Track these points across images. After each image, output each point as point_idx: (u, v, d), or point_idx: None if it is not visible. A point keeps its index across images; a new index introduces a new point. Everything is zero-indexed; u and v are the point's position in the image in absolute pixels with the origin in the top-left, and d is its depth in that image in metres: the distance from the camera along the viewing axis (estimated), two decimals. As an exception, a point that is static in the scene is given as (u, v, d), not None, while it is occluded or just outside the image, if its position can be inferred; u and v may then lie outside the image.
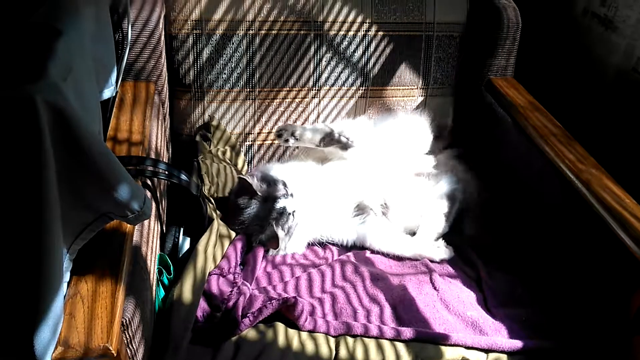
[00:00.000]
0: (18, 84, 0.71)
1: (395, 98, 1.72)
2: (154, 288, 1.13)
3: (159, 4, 1.47)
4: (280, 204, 1.38)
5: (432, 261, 1.40)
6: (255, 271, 1.33)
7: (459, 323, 1.22)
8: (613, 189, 1.22)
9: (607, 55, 1.72)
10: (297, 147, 1.60)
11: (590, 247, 1.26)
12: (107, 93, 1.29)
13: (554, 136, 1.41)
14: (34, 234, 0.73)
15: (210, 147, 1.58)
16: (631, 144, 1.61)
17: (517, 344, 1.17)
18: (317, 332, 1.18)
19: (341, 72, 1.66)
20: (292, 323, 1.19)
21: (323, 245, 1.47)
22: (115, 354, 0.80)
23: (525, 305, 1.28)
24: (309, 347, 1.15)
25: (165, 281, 1.22)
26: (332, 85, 1.67)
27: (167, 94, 1.57)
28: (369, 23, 1.62)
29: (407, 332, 1.17)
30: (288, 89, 1.64)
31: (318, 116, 1.69)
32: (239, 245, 1.36)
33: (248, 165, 1.68)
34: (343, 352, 1.14)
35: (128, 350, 0.90)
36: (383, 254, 1.44)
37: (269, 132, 1.68)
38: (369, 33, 1.63)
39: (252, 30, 1.57)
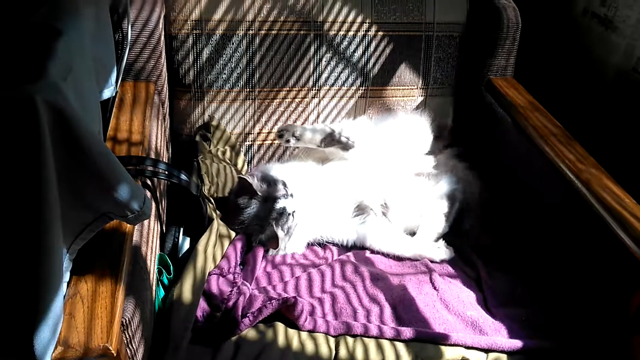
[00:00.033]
0: (18, 84, 0.71)
1: (395, 98, 1.72)
2: (153, 288, 1.13)
3: (159, 4, 1.47)
4: (280, 204, 1.38)
5: (432, 261, 1.40)
6: (255, 271, 1.33)
7: (458, 323, 1.22)
8: (613, 188, 1.22)
9: (607, 55, 1.72)
10: (297, 147, 1.60)
11: (590, 247, 1.26)
12: (107, 93, 1.29)
13: (553, 136, 1.41)
14: (34, 233, 0.73)
15: (210, 147, 1.58)
16: (631, 144, 1.61)
17: (517, 343, 1.17)
18: (317, 332, 1.18)
19: (341, 72, 1.66)
20: (292, 323, 1.19)
21: (323, 245, 1.47)
22: (115, 354, 0.80)
23: (525, 305, 1.28)
24: (309, 347, 1.15)
25: (165, 281, 1.22)
26: (332, 85, 1.67)
27: (167, 94, 1.57)
28: (368, 23, 1.62)
29: (407, 332, 1.17)
30: (288, 88, 1.64)
31: (318, 116, 1.69)
32: (238, 245, 1.36)
33: (248, 165, 1.68)
34: (343, 352, 1.14)
35: (128, 350, 0.90)
36: (383, 254, 1.44)
37: (269, 132, 1.68)
38: (369, 33, 1.63)
39: (252, 30, 1.57)
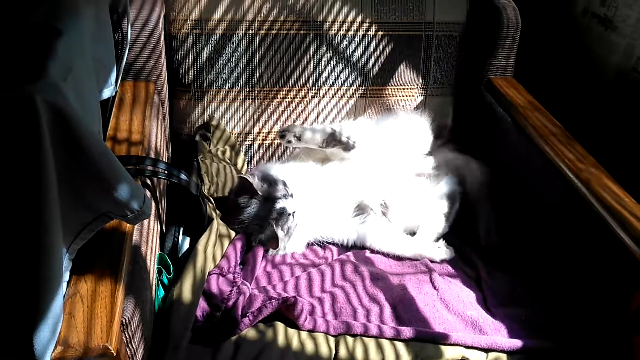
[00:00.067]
0: (18, 84, 0.71)
1: (395, 98, 1.72)
2: (153, 287, 1.13)
3: (159, 3, 1.47)
4: (280, 204, 1.38)
5: (432, 261, 1.40)
6: (255, 271, 1.33)
7: (458, 322, 1.22)
8: (613, 188, 1.22)
9: (607, 55, 1.72)
10: (298, 148, 1.59)
11: (590, 246, 1.26)
12: (107, 93, 1.29)
13: (553, 136, 1.41)
14: (34, 233, 0.73)
15: (209, 146, 1.58)
16: (631, 144, 1.61)
17: (516, 343, 1.17)
18: (317, 332, 1.18)
19: (341, 71, 1.66)
20: (292, 322, 1.19)
21: (323, 244, 1.47)
22: (114, 354, 0.80)
23: (525, 305, 1.28)
24: (309, 346, 1.15)
25: (165, 281, 1.22)
26: (332, 84, 1.67)
27: (167, 93, 1.57)
28: (368, 23, 1.62)
29: (407, 332, 1.17)
30: (288, 88, 1.64)
31: (318, 116, 1.69)
32: (238, 244, 1.36)
33: (248, 165, 1.68)
34: (343, 352, 1.14)
35: (127, 349, 0.90)
36: (383, 254, 1.44)
37: (269, 132, 1.68)
38: (369, 33, 1.63)
39: (251, 29, 1.57)
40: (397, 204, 1.51)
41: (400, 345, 1.15)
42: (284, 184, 1.42)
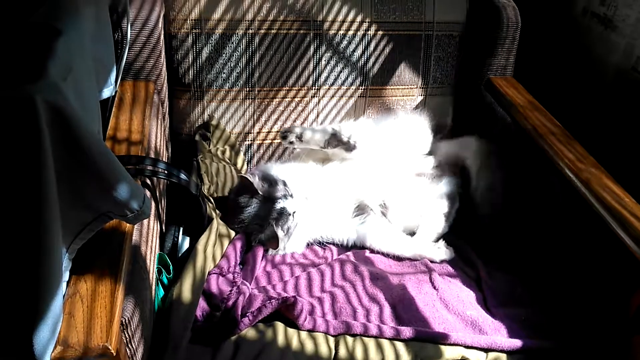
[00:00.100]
0: (18, 84, 0.71)
1: (394, 97, 1.72)
2: (153, 287, 1.13)
3: (159, 3, 1.47)
4: (280, 204, 1.38)
5: (432, 261, 1.40)
6: (254, 270, 1.33)
7: (458, 322, 1.22)
8: (613, 188, 1.22)
9: (607, 55, 1.72)
10: (299, 148, 1.59)
11: (590, 246, 1.26)
12: (107, 92, 1.29)
13: (553, 135, 1.41)
14: (34, 233, 0.73)
15: (209, 146, 1.58)
16: (631, 143, 1.60)
17: (516, 343, 1.17)
18: (317, 332, 1.18)
19: (341, 71, 1.66)
20: (292, 322, 1.19)
21: (323, 244, 1.47)
22: (114, 354, 0.80)
23: (524, 305, 1.28)
24: (309, 346, 1.15)
25: (165, 280, 1.22)
26: (332, 84, 1.67)
27: (167, 93, 1.57)
28: (368, 22, 1.62)
29: (407, 332, 1.17)
30: (287, 88, 1.64)
31: (317, 115, 1.69)
32: (238, 244, 1.36)
33: (247, 165, 1.68)
34: (342, 352, 1.14)
35: (127, 349, 0.90)
36: (383, 254, 1.44)
37: (269, 132, 1.68)
38: (369, 32, 1.63)
39: (251, 29, 1.57)
40: (397, 204, 1.51)
41: (400, 345, 1.15)
42: (284, 184, 1.42)
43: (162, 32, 1.49)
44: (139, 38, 1.43)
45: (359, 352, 1.14)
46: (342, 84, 1.67)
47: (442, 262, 1.41)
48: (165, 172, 1.23)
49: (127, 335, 0.90)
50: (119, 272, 0.90)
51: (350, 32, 1.62)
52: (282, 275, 1.35)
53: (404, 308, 1.24)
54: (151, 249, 1.15)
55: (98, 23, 1.17)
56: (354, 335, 1.18)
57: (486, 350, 1.17)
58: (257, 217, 1.39)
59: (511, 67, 1.73)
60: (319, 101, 1.68)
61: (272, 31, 1.58)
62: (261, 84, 1.62)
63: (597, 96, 1.77)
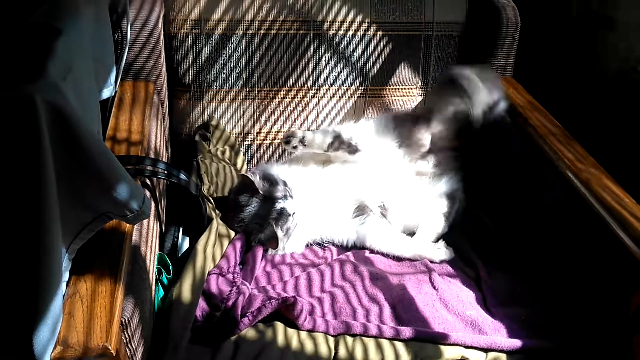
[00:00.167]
0: (18, 84, 0.71)
1: (394, 97, 1.72)
2: (153, 287, 1.13)
3: (158, 3, 1.47)
4: (280, 204, 1.38)
5: (432, 262, 1.40)
6: (254, 270, 1.33)
7: (458, 322, 1.22)
8: (612, 188, 1.22)
9: (607, 55, 1.72)
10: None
11: (589, 246, 1.26)
12: (107, 92, 1.29)
13: (553, 136, 1.41)
14: (33, 233, 0.73)
15: (209, 146, 1.58)
16: (631, 144, 1.60)
17: (516, 343, 1.17)
18: (317, 332, 1.18)
19: (340, 71, 1.66)
20: (292, 322, 1.18)
21: (322, 245, 1.47)
22: (114, 354, 0.80)
23: (524, 305, 1.28)
24: (308, 346, 1.15)
25: (165, 281, 1.22)
26: (332, 84, 1.67)
27: (167, 93, 1.57)
28: (368, 22, 1.62)
29: (407, 332, 1.17)
30: (287, 88, 1.64)
31: (317, 116, 1.69)
32: (238, 244, 1.36)
33: (247, 165, 1.68)
34: (342, 352, 1.14)
35: (127, 349, 0.90)
36: (383, 254, 1.44)
37: (269, 132, 1.68)
38: (368, 32, 1.63)
39: (251, 29, 1.57)
40: (397, 204, 1.51)
41: (399, 345, 1.15)
42: (285, 184, 1.42)
43: (162, 33, 1.49)
44: (138, 38, 1.43)
45: (358, 352, 1.14)
46: (342, 84, 1.67)
47: (441, 262, 1.41)
48: (165, 172, 1.23)
49: (126, 335, 0.90)
50: (119, 272, 0.90)
51: (350, 32, 1.62)
52: (282, 275, 1.35)
53: (404, 308, 1.24)
54: (151, 249, 1.15)
55: (98, 23, 1.17)
56: (353, 335, 1.18)
57: (486, 350, 1.17)
58: (257, 217, 1.39)
59: (511, 68, 1.73)
60: (319, 101, 1.68)
61: (272, 31, 1.58)
62: (261, 84, 1.62)
63: (597, 96, 1.77)
